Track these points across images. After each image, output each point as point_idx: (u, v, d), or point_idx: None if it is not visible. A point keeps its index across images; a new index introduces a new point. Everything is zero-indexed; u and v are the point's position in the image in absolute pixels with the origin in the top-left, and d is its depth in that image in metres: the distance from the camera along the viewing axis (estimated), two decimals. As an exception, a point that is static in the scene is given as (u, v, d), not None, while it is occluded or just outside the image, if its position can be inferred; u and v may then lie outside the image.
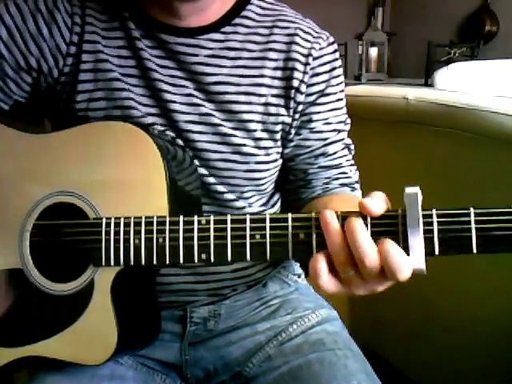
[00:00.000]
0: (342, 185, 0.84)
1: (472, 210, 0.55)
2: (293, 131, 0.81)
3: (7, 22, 0.75)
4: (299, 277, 0.93)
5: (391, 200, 0.58)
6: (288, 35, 0.79)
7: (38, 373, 0.75)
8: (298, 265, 0.95)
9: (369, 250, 0.54)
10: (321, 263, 0.56)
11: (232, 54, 0.78)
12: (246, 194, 0.82)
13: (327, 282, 0.56)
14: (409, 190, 0.55)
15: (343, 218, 0.58)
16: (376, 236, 0.56)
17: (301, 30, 0.80)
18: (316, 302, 0.88)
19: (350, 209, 0.60)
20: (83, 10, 0.77)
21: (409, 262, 0.55)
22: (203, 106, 0.77)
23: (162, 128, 0.76)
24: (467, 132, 1.19)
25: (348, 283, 0.57)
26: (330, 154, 0.84)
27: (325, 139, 0.83)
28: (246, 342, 0.83)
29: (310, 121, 0.81)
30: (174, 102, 0.76)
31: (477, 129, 1.16)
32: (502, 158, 1.15)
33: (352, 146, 0.88)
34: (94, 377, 0.74)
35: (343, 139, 0.85)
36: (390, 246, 0.54)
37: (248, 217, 0.60)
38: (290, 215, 0.59)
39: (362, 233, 0.55)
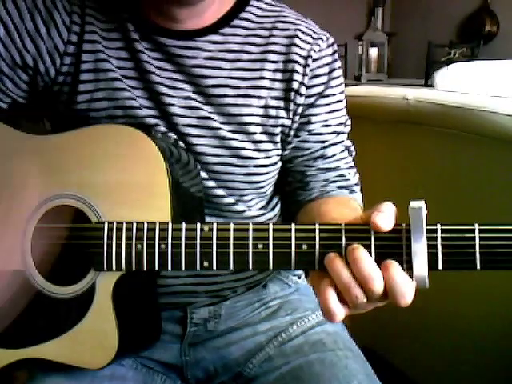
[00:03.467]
0: (340, 187, 0.84)
1: (477, 226, 0.55)
2: (292, 133, 0.81)
3: (4, 19, 0.75)
4: (299, 278, 0.93)
5: (390, 201, 0.58)
6: (287, 37, 0.79)
7: (38, 373, 0.75)
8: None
9: (376, 278, 0.54)
10: (334, 305, 0.56)
11: (231, 56, 0.78)
12: (245, 198, 0.81)
13: (341, 316, 0.57)
14: (414, 204, 0.54)
15: (347, 230, 0.58)
16: (380, 254, 0.56)
17: (300, 31, 0.80)
18: (316, 303, 0.87)
19: (343, 211, 0.59)
20: (83, 10, 0.77)
21: (413, 286, 0.55)
22: (202, 109, 0.77)
23: (165, 130, 0.76)
24: (467, 132, 1.19)
25: (356, 307, 0.57)
26: (329, 157, 0.83)
27: (324, 141, 0.82)
28: (247, 343, 0.83)
29: (309, 123, 0.81)
30: (173, 105, 0.76)
31: (477, 129, 1.16)
32: (502, 159, 1.15)
33: (352, 148, 0.87)
34: (94, 377, 0.74)
35: (343, 141, 0.85)
36: (395, 272, 0.55)
37: (251, 226, 0.60)
38: (293, 226, 0.59)
39: (367, 261, 0.55)
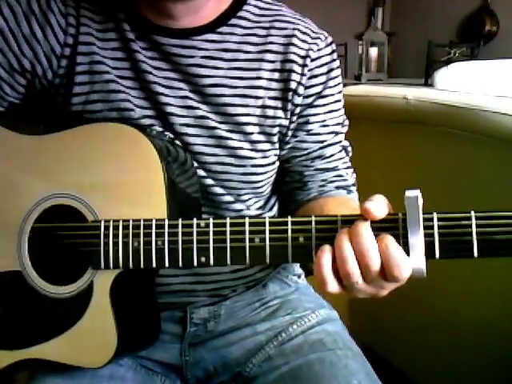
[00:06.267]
0: (338, 187, 0.84)
1: (473, 214, 0.55)
2: (289, 133, 0.81)
3: (0, 23, 0.74)
4: (299, 277, 0.93)
5: (391, 200, 0.58)
6: (285, 36, 0.78)
7: (38, 374, 0.75)
8: (298, 265, 0.95)
9: (373, 255, 0.55)
10: (326, 270, 0.56)
11: (228, 55, 0.77)
12: (243, 197, 0.81)
13: (334, 287, 0.57)
14: (409, 193, 0.54)
15: (343, 221, 0.58)
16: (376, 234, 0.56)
17: (298, 30, 0.79)
18: (316, 302, 0.88)
19: (345, 211, 0.60)
20: (77, 11, 0.76)
21: (408, 260, 0.55)
22: (199, 108, 0.76)
23: (161, 129, 0.76)
24: (467, 132, 1.19)
25: (351, 288, 0.58)
26: (327, 157, 0.83)
27: (322, 141, 0.82)
28: (246, 343, 0.83)
29: (307, 123, 0.81)
30: (170, 104, 0.76)
31: (477, 129, 1.16)
32: (501, 158, 1.15)
33: (349, 148, 0.87)
34: (93, 378, 0.74)
35: (340, 141, 0.85)
36: (390, 243, 0.55)
37: (247, 220, 0.60)
38: (289, 219, 0.59)
39: (368, 237, 0.55)
